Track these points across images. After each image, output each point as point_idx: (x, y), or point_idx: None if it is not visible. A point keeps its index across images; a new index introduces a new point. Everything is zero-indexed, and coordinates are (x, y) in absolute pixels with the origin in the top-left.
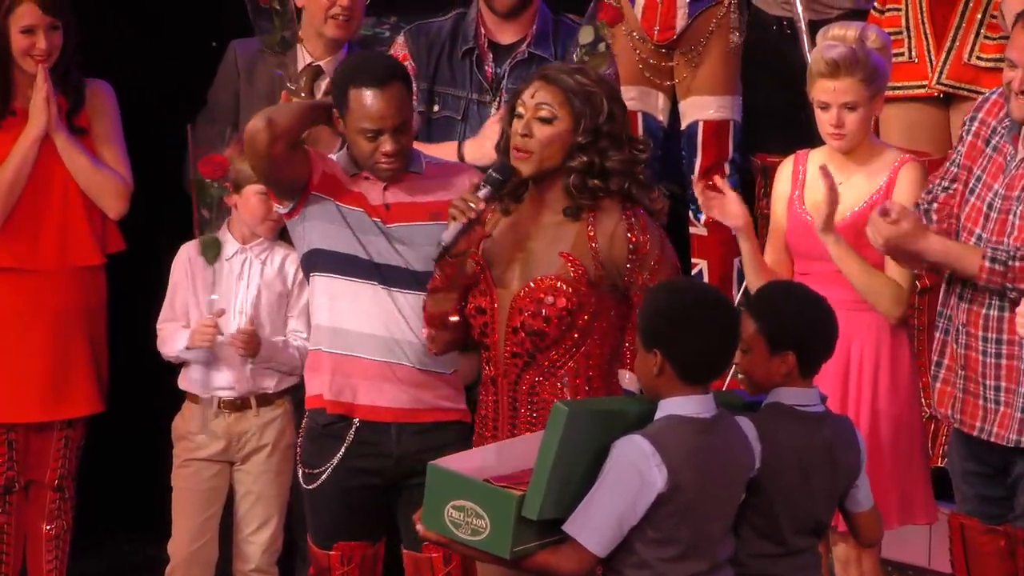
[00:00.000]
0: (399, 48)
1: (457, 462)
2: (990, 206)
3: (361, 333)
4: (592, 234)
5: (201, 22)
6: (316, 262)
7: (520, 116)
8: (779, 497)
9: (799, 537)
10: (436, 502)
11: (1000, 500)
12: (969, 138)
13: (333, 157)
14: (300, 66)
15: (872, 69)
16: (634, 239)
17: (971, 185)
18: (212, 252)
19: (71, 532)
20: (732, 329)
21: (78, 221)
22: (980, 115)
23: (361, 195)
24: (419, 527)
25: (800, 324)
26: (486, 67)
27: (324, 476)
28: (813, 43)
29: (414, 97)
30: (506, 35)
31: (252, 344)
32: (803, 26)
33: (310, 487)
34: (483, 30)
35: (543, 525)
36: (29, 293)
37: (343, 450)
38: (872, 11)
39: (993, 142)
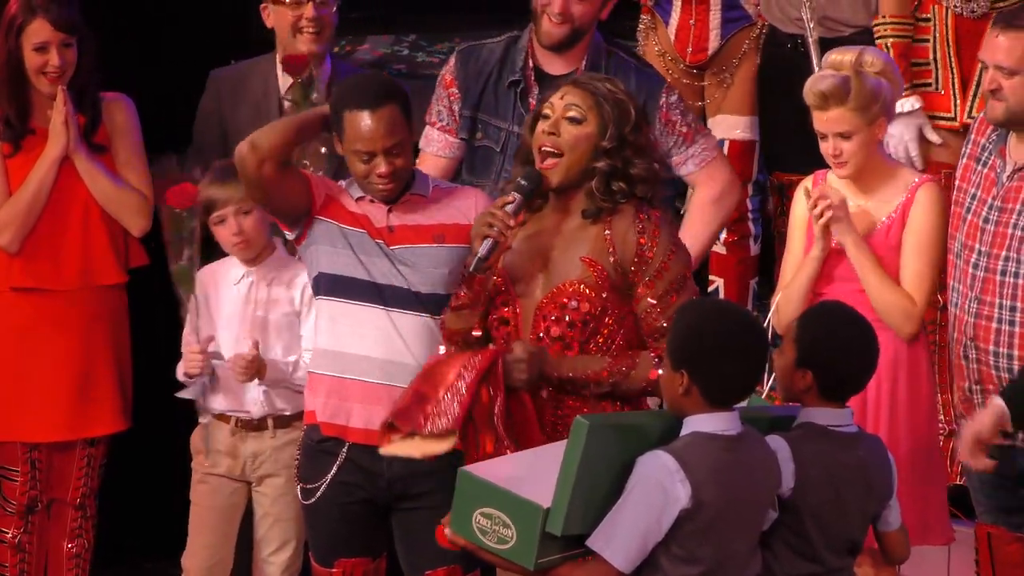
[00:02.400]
0: (448, 71)
1: (487, 469)
2: (986, 219)
3: (358, 355)
4: (609, 237)
5: (223, 37)
6: (320, 285)
7: (547, 117)
8: (812, 516)
9: (835, 556)
10: (464, 507)
11: (1019, 511)
12: (964, 161)
13: (341, 183)
14: (283, 86)
15: (866, 96)
16: (642, 241)
17: (967, 204)
18: (186, 283)
19: (92, 550)
20: (761, 356)
21: (99, 240)
22: (972, 136)
23: (365, 217)
24: (447, 531)
25: (824, 349)
26: (530, 100)
27: (320, 492)
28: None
29: (454, 119)
30: (556, 66)
31: (251, 370)
32: (812, 44)
33: (307, 503)
34: (531, 60)
35: (569, 538)
36: (52, 313)
37: (335, 467)
38: None
39: (983, 158)
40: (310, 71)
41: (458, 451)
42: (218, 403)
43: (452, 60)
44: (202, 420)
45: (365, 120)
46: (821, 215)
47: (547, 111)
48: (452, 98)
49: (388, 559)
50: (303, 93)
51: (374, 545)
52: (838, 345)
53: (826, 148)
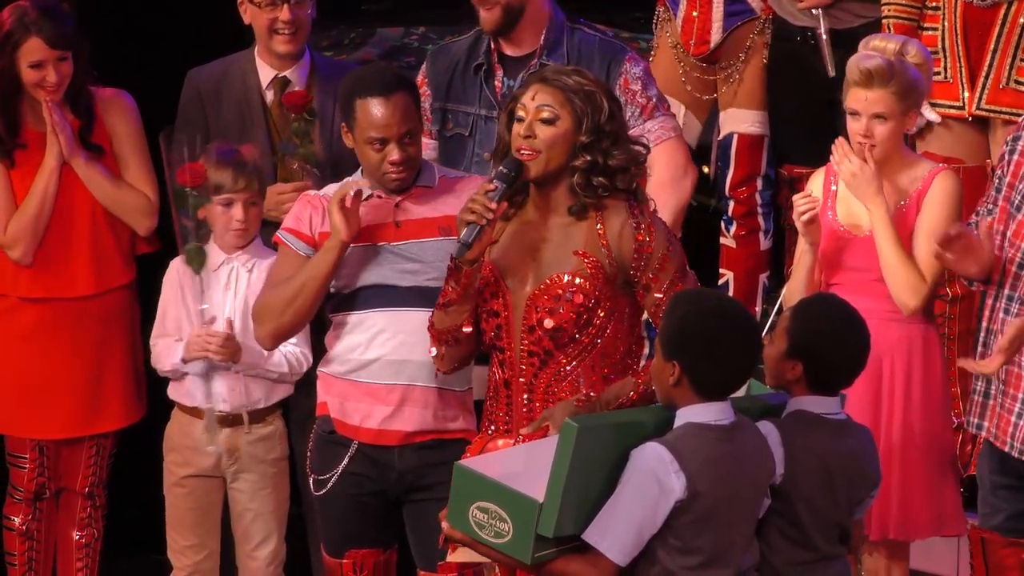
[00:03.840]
0: (420, 74)
1: (483, 463)
2: None
3: (371, 359)
4: (602, 231)
5: (225, 31)
6: (327, 303)
7: (521, 120)
8: (804, 502)
9: (826, 543)
10: (461, 502)
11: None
12: (1016, 157)
13: (332, 188)
14: (264, 80)
15: (907, 83)
16: (640, 238)
17: (1018, 203)
18: (197, 262)
19: (102, 540)
20: (754, 350)
21: (107, 243)
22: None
23: (366, 224)
24: (444, 524)
25: (815, 343)
26: (495, 82)
27: (331, 483)
28: (836, 52)
29: (426, 117)
30: (516, 48)
31: (228, 348)
32: (823, 35)
33: (319, 494)
34: (494, 45)
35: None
36: (63, 317)
37: (347, 459)
38: None
39: None
40: (311, 105)
41: (470, 441)
42: (194, 398)
43: (424, 64)
44: (206, 405)
45: (379, 107)
46: (803, 213)
47: (520, 112)
48: (423, 97)
49: (399, 551)
50: (306, 128)
51: (385, 536)
52: (828, 338)
53: (857, 128)
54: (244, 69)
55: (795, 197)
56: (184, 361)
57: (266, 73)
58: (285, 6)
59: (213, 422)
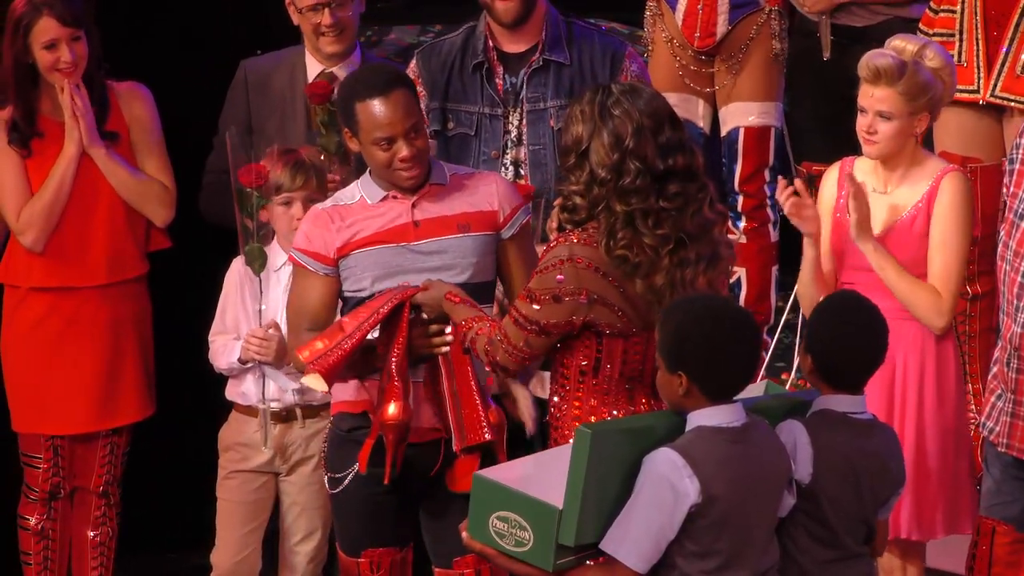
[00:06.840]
0: (410, 71)
1: (501, 472)
2: None
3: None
4: None
5: (248, 28)
6: (347, 305)
7: None
8: (830, 501)
9: (855, 542)
10: (481, 512)
11: None
12: (1017, 167)
13: (344, 197)
14: (311, 75)
15: (917, 85)
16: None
17: (1021, 211)
18: (258, 262)
19: (116, 539)
20: (754, 347)
21: (123, 233)
22: (1023, 141)
23: (384, 225)
24: (464, 535)
25: (819, 334)
26: (496, 80)
27: (347, 481)
28: (858, 49)
29: (425, 118)
30: (516, 44)
31: (266, 348)
32: (823, 26)
33: (334, 492)
34: (492, 42)
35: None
36: (77, 308)
37: None
38: (927, 11)
39: None
40: (333, 96)
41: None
42: (249, 397)
43: (412, 62)
44: (262, 406)
45: (380, 106)
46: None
47: None
48: (419, 97)
49: (415, 550)
50: (331, 118)
51: (401, 534)
52: (830, 334)
53: (863, 123)
54: (293, 63)
55: (778, 195)
56: (242, 361)
57: (314, 68)
58: (326, 10)
59: (267, 422)
